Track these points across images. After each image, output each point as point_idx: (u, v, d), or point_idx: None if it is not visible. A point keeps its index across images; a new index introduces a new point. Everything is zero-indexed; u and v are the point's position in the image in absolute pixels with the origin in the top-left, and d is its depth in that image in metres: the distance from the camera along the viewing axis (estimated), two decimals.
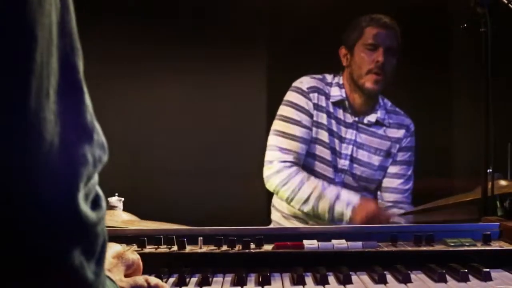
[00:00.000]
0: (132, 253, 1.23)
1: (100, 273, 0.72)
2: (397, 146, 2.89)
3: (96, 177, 0.73)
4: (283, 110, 2.83)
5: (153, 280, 1.20)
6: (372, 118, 2.85)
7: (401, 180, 2.89)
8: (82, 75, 0.72)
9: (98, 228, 0.72)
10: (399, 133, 2.90)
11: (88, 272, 0.70)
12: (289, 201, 2.72)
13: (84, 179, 0.69)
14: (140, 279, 1.18)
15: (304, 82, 2.83)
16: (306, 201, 2.67)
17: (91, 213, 0.70)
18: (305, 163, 2.78)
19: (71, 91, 0.70)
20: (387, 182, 2.90)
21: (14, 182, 0.63)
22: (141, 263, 1.25)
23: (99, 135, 0.73)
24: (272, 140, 2.80)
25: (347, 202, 2.63)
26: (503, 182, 2.30)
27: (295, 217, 2.86)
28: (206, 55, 3.59)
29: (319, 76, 2.88)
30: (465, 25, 2.23)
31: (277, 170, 2.72)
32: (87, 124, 0.71)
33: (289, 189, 2.69)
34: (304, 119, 2.77)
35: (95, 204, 0.72)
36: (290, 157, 2.73)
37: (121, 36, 3.34)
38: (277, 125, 2.83)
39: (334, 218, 2.65)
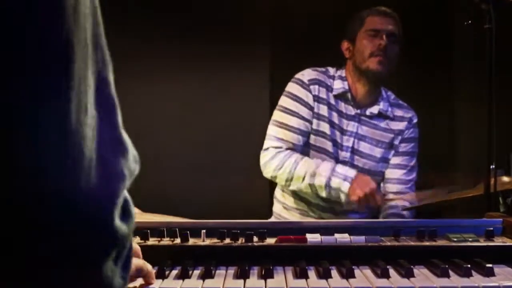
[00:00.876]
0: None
1: (126, 277, 0.74)
2: (399, 137, 2.89)
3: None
4: (283, 100, 2.85)
5: (149, 266, 1.24)
6: (374, 110, 2.85)
7: (403, 171, 2.89)
8: (114, 89, 0.72)
9: (129, 238, 0.73)
10: (402, 125, 2.90)
11: (116, 278, 0.72)
12: (288, 183, 2.73)
13: (121, 194, 0.70)
14: (140, 261, 1.22)
15: (306, 74, 2.84)
16: (303, 179, 2.68)
17: (124, 226, 0.71)
18: (306, 154, 2.79)
19: (105, 106, 0.70)
20: (389, 173, 2.90)
21: (54, 200, 0.63)
22: (140, 251, 1.27)
23: (132, 148, 0.74)
24: (270, 129, 2.82)
25: (343, 176, 2.63)
26: (505, 179, 2.30)
27: (297, 208, 2.87)
28: (208, 50, 3.59)
29: (322, 69, 2.88)
30: (469, 21, 2.23)
31: (271, 157, 2.74)
32: (121, 138, 0.72)
33: (285, 171, 2.71)
34: (303, 110, 2.78)
35: (126, 212, 0.72)
36: (284, 145, 2.75)
37: (122, 34, 3.33)
38: (276, 115, 2.84)
39: (331, 193, 2.65)
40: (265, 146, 2.79)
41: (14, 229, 0.63)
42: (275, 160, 2.73)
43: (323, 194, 2.67)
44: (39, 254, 0.64)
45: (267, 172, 2.78)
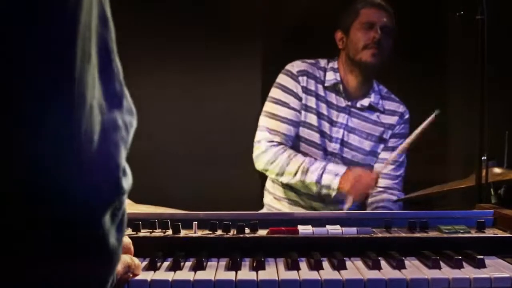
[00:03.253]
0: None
1: (121, 239, 0.75)
2: (390, 132, 2.89)
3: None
4: (273, 92, 2.85)
5: (136, 260, 1.24)
6: (365, 102, 2.85)
7: (392, 166, 2.89)
8: (113, 43, 0.73)
9: (125, 196, 0.74)
10: (393, 119, 2.90)
11: (112, 236, 0.72)
12: (278, 177, 2.75)
13: (120, 144, 0.70)
14: (127, 258, 1.21)
15: (295, 65, 2.85)
16: (294, 175, 2.69)
17: (124, 181, 0.72)
18: (294, 146, 2.79)
19: (103, 58, 0.71)
20: (378, 168, 2.90)
21: (60, 148, 0.64)
22: (131, 247, 1.26)
23: (128, 101, 0.74)
24: (262, 121, 2.83)
25: (334, 172, 2.64)
26: (497, 170, 2.31)
27: (287, 199, 2.88)
28: (201, 45, 3.58)
29: (312, 61, 2.88)
30: (461, 12, 2.22)
31: (264, 150, 2.75)
32: (115, 90, 0.72)
33: (277, 166, 2.72)
34: (292, 101, 2.79)
35: (124, 172, 0.73)
36: (277, 138, 2.76)
37: (118, 32, 3.31)
38: (267, 106, 2.85)
39: (322, 189, 2.66)
40: (257, 138, 2.80)
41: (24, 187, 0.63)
42: (268, 154, 2.74)
43: (314, 190, 2.69)
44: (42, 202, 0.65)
45: (259, 165, 2.79)
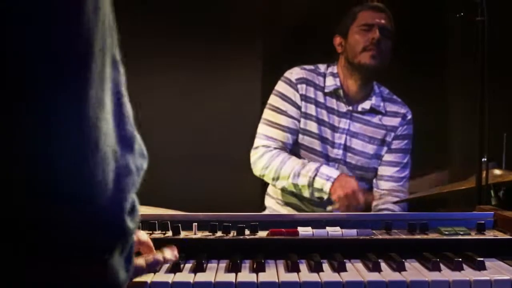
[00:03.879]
0: (142, 234, 1.30)
1: (130, 269, 0.77)
2: (392, 134, 2.88)
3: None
4: (272, 99, 2.85)
5: (167, 253, 1.28)
6: (366, 105, 2.84)
7: (396, 168, 2.88)
8: (124, 86, 0.73)
9: (133, 234, 0.75)
10: (395, 121, 2.89)
11: (121, 271, 0.74)
12: (274, 182, 2.74)
13: (131, 189, 0.71)
14: (158, 254, 1.26)
15: (294, 73, 2.83)
16: (287, 178, 2.68)
17: (131, 222, 0.73)
18: (294, 153, 2.78)
19: (115, 102, 0.71)
20: (382, 170, 2.89)
21: (68, 192, 0.64)
22: (151, 243, 1.29)
23: (139, 143, 0.75)
24: (260, 128, 2.82)
25: (326, 176, 2.62)
26: (497, 172, 2.30)
27: (289, 203, 2.87)
28: (201, 47, 3.58)
29: (311, 67, 2.87)
30: (462, 13, 2.22)
31: (260, 155, 2.75)
32: (127, 134, 0.72)
33: (272, 170, 2.71)
34: (290, 109, 2.78)
35: (132, 210, 0.74)
36: (274, 144, 2.75)
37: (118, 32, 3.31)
38: (265, 113, 2.84)
39: (314, 193, 2.65)
40: (255, 145, 2.80)
41: (26, 224, 0.64)
42: (263, 159, 2.74)
43: (306, 194, 2.68)
44: (50, 247, 0.66)
45: (256, 171, 2.80)
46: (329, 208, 2.68)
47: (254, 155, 2.78)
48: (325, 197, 2.62)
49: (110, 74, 0.69)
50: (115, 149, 0.68)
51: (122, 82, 0.72)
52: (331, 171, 2.65)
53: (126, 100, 0.73)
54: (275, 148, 2.74)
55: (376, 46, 2.71)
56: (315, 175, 2.63)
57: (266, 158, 2.73)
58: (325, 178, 2.61)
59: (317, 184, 2.62)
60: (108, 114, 0.67)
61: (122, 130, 0.71)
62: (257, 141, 2.80)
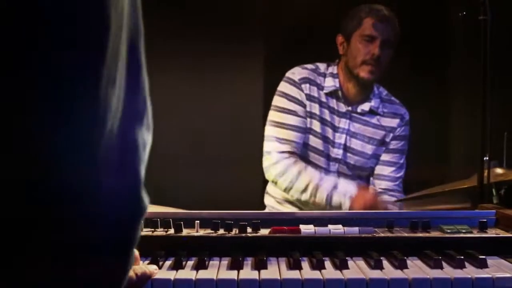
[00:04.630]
0: None
1: (131, 262, 0.75)
2: (391, 135, 2.88)
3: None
4: (277, 101, 2.83)
5: (151, 267, 1.25)
6: (365, 107, 2.84)
7: (393, 168, 2.89)
8: (143, 54, 0.72)
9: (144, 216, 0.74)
10: (393, 122, 2.89)
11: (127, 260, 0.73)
12: (287, 191, 2.73)
13: (140, 164, 0.70)
14: (144, 267, 1.23)
15: (296, 73, 2.83)
16: (304, 191, 2.67)
17: (147, 199, 0.72)
18: (302, 153, 2.78)
19: (131, 74, 0.70)
20: (379, 170, 2.90)
21: (79, 170, 0.63)
22: (137, 253, 1.26)
23: (148, 117, 0.73)
24: (269, 130, 2.80)
25: (344, 192, 2.63)
26: (499, 170, 2.30)
27: (290, 202, 2.87)
28: (202, 48, 3.58)
29: (312, 66, 2.86)
30: (464, 12, 2.22)
31: (275, 161, 2.72)
32: (139, 107, 0.71)
33: (286, 179, 2.70)
34: (298, 109, 2.77)
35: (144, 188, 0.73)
36: (287, 147, 2.73)
37: None
38: (273, 115, 2.82)
39: (332, 208, 2.66)
40: (267, 149, 2.76)
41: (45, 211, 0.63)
42: (278, 166, 2.71)
43: (324, 207, 2.68)
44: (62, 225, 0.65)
45: (269, 176, 2.78)
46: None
47: (267, 160, 2.76)
48: (345, 209, 2.63)
49: (125, 52, 0.68)
50: (122, 123, 0.68)
51: (142, 49, 0.72)
52: (349, 186, 2.65)
53: (143, 69, 0.72)
54: (289, 155, 2.72)
55: (376, 61, 2.70)
56: (332, 193, 2.63)
57: (281, 166, 2.71)
58: (343, 194, 2.62)
59: (335, 202, 2.63)
60: (118, 88, 0.67)
61: (134, 102, 0.70)
62: (269, 145, 2.76)
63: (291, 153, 2.72)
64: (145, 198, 0.72)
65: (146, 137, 0.72)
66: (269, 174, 2.76)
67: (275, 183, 2.77)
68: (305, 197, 2.68)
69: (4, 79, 0.59)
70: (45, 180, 0.62)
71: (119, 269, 0.72)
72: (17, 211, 0.62)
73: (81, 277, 0.67)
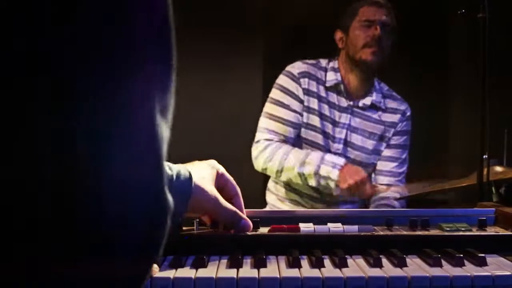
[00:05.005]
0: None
1: (155, 260, 0.75)
2: (392, 130, 2.89)
3: None
4: (274, 93, 2.85)
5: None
6: (367, 101, 2.85)
7: (395, 164, 2.90)
8: (175, 52, 0.71)
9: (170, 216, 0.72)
10: (395, 117, 2.90)
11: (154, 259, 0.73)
12: (278, 174, 2.74)
13: (163, 158, 0.69)
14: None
15: (296, 67, 2.84)
16: (293, 168, 2.68)
17: (171, 198, 0.70)
18: (299, 147, 2.79)
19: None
20: (381, 165, 2.91)
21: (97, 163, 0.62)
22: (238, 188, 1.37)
23: (171, 114, 0.72)
24: (262, 122, 2.83)
25: (332, 164, 2.63)
26: (498, 168, 2.31)
27: (289, 199, 2.87)
28: (201, 45, 3.58)
29: (313, 61, 2.88)
30: (463, 10, 2.22)
31: (262, 149, 2.75)
32: (166, 103, 0.70)
33: (275, 162, 2.72)
34: (293, 103, 2.78)
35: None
36: (275, 137, 2.75)
37: None
38: (267, 107, 2.85)
39: (320, 181, 2.65)
40: (256, 139, 2.80)
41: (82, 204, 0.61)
42: (266, 152, 2.74)
43: (313, 182, 2.68)
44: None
45: (258, 165, 2.79)
46: (334, 193, 2.68)
47: (255, 149, 2.78)
48: (332, 185, 2.63)
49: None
50: (153, 115, 0.66)
51: (173, 47, 0.71)
52: (337, 159, 2.66)
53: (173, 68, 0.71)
54: (277, 142, 2.74)
55: (377, 42, 2.72)
56: (321, 163, 2.64)
57: (268, 151, 2.73)
58: (331, 166, 2.62)
59: (323, 172, 2.63)
60: (157, 82, 0.67)
61: (165, 97, 0.69)
62: (258, 135, 2.80)
63: (278, 142, 2.74)
64: (169, 195, 0.70)
65: (166, 134, 0.71)
66: (258, 162, 2.78)
67: (265, 170, 2.78)
68: (295, 173, 2.68)
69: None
70: (81, 180, 0.60)
71: (142, 268, 0.72)
72: (46, 211, 0.60)
73: (102, 277, 0.66)
